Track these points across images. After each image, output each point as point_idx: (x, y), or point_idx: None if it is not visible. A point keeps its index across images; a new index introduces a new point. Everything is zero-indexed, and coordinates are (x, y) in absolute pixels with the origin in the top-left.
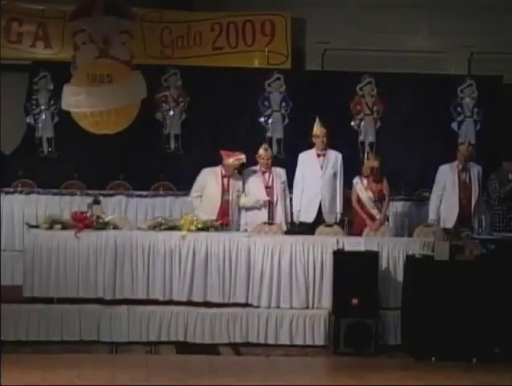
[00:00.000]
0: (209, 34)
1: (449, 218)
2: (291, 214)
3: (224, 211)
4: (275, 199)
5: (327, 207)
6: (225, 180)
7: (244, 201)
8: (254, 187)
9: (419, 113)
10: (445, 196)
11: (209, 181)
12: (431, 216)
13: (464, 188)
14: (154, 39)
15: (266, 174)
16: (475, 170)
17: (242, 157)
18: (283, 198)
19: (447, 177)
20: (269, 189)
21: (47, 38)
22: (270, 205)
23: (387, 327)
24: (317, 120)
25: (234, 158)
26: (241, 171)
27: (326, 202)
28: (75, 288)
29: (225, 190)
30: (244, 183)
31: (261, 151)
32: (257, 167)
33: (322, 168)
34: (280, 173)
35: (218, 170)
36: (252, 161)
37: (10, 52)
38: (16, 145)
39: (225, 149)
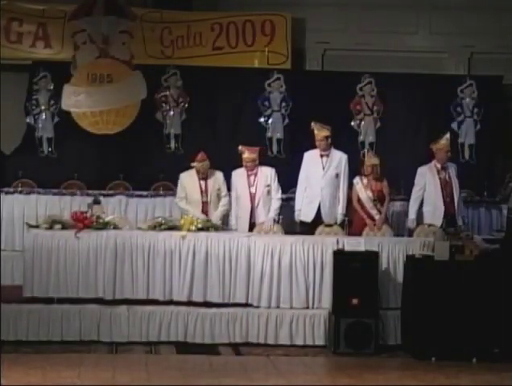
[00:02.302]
0: (209, 34)
1: (435, 218)
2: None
3: (205, 212)
4: (256, 202)
5: (326, 207)
6: (202, 182)
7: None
8: (240, 190)
9: (419, 113)
10: (428, 197)
11: (187, 184)
12: (410, 215)
13: (446, 187)
14: (154, 39)
15: (252, 177)
16: (452, 168)
17: (201, 158)
18: (267, 201)
19: (427, 178)
20: (254, 194)
21: (47, 38)
22: (252, 210)
23: (387, 327)
24: (313, 124)
25: (197, 162)
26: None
27: (326, 202)
28: (75, 288)
29: (202, 192)
30: (228, 183)
31: (244, 154)
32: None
33: (324, 168)
34: (267, 174)
35: (194, 172)
36: None
37: (10, 52)
38: (16, 145)
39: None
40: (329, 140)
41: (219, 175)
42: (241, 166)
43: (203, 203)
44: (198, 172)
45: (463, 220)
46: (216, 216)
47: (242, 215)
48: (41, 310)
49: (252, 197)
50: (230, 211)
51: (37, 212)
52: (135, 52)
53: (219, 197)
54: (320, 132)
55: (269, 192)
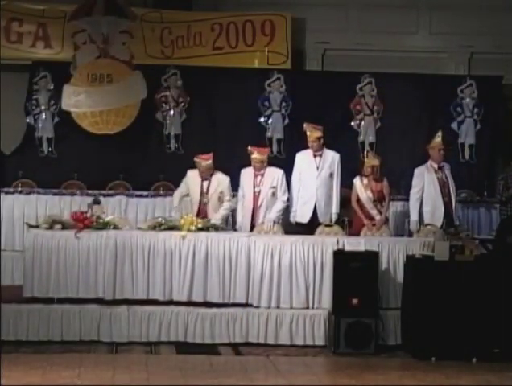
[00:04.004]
0: (209, 34)
1: (435, 218)
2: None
3: (203, 213)
4: (259, 203)
5: (322, 207)
6: (205, 183)
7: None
8: (245, 189)
9: (419, 113)
10: (427, 197)
11: (191, 183)
12: (413, 217)
13: (444, 187)
14: (154, 39)
15: (258, 178)
16: (447, 167)
17: (205, 157)
18: (271, 203)
19: (426, 178)
20: (258, 194)
21: (47, 38)
22: (254, 210)
23: (387, 327)
24: (305, 125)
25: (200, 159)
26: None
27: (321, 202)
28: (75, 288)
29: (203, 193)
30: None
31: (253, 155)
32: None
33: (318, 168)
34: (274, 176)
35: (196, 172)
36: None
37: (10, 52)
38: (16, 145)
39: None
40: (322, 140)
41: (224, 179)
42: (245, 165)
43: (201, 204)
44: (199, 171)
45: (460, 221)
46: (215, 218)
47: (245, 214)
48: (41, 310)
49: (255, 197)
50: (237, 210)
51: (37, 212)
52: (135, 52)
53: (221, 200)
54: (313, 133)
55: (274, 194)
